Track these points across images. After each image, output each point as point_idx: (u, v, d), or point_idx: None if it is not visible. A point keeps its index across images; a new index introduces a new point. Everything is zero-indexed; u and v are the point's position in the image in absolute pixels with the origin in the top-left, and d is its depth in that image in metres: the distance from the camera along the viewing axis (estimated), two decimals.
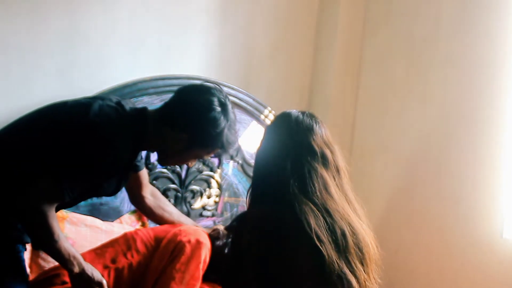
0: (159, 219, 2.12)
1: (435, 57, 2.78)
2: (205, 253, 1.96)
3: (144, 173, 2.04)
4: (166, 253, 1.93)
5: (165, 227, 2.07)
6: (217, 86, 1.84)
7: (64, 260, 1.69)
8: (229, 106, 1.80)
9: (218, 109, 1.76)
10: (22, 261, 1.74)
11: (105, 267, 1.91)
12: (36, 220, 1.63)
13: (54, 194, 1.63)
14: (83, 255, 1.91)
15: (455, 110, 2.71)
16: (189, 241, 1.93)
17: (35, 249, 1.95)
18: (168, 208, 2.14)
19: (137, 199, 2.08)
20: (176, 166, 2.42)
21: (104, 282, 1.76)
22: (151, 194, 2.10)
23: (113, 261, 1.93)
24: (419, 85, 2.85)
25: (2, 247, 1.70)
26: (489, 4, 2.62)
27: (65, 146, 1.66)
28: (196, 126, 1.75)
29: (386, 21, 3.01)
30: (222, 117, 1.76)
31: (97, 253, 1.96)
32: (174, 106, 1.79)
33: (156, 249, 1.96)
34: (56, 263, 1.89)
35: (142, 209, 2.13)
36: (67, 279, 1.81)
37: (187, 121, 1.75)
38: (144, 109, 1.84)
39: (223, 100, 1.79)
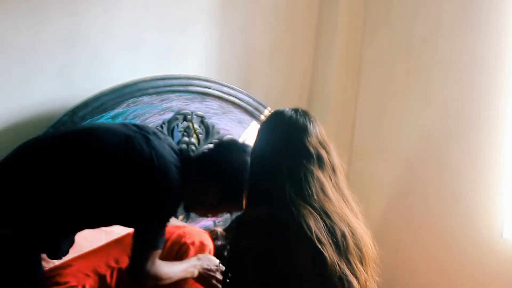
0: None
1: (435, 57, 2.78)
2: None
3: None
4: (170, 255, 1.92)
5: (168, 228, 2.06)
6: None
7: (181, 278, 1.82)
8: None
9: None
10: (38, 262, 1.72)
11: (108, 267, 1.91)
12: (153, 281, 1.73)
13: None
14: (85, 255, 1.91)
15: (455, 110, 2.71)
16: (193, 243, 1.94)
17: (51, 258, 1.89)
18: None
19: None
20: None
21: (217, 261, 1.88)
22: None
23: (117, 261, 1.93)
24: (419, 85, 2.85)
25: (20, 251, 1.67)
26: (489, 4, 2.61)
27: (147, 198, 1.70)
28: (230, 186, 1.77)
29: (386, 21, 3.00)
30: None
31: (101, 252, 1.95)
32: (212, 161, 1.81)
33: None
34: (56, 263, 1.89)
35: None
36: (68, 278, 1.81)
37: (222, 179, 1.77)
38: (188, 154, 1.94)
39: None
